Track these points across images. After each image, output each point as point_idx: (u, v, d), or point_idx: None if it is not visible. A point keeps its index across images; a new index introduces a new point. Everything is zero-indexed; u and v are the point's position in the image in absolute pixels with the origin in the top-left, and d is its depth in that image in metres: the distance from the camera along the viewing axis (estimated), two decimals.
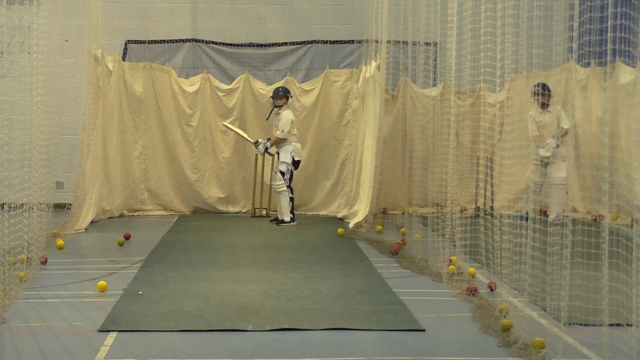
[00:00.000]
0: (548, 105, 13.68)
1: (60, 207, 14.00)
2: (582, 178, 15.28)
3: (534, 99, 13.24)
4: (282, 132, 14.40)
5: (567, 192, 13.49)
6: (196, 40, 16.55)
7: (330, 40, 16.62)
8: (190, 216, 15.85)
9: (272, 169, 15.05)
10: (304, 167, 15.86)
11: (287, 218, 14.35)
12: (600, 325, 6.59)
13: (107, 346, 7.05)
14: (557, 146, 13.54)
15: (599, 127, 7.79)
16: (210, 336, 7.40)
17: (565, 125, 13.46)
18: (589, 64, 14.65)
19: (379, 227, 13.61)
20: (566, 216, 7.18)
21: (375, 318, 8.00)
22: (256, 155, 15.49)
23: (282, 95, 14.64)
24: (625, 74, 13.93)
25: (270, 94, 15.03)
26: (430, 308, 8.59)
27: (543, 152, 13.56)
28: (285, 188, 14.29)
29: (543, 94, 13.30)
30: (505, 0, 9.29)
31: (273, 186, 14.59)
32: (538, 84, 13.04)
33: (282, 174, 14.37)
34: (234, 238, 13.15)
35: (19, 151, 10.85)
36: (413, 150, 14.87)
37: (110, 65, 15.21)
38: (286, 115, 14.50)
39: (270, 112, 14.84)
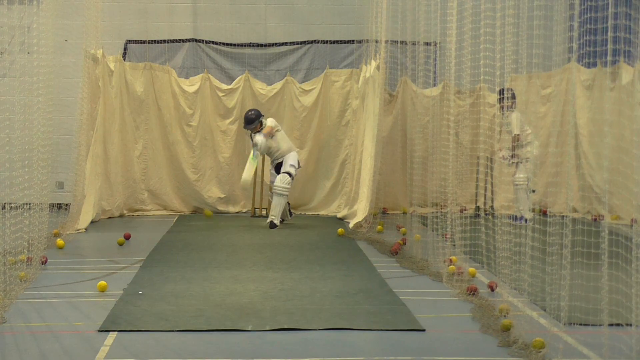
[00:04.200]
0: (511, 110, 13.46)
1: (60, 207, 14.01)
2: (582, 178, 15.29)
3: (500, 104, 12.99)
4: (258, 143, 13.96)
5: (532, 191, 13.57)
6: (196, 40, 16.55)
7: (330, 40, 16.62)
8: (190, 216, 15.85)
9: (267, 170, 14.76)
10: (304, 167, 15.88)
11: (277, 221, 14.18)
12: (600, 325, 6.60)
13: (107, 346, 7.05)
14: (512, 156, 13.56)
15: (609, 128, 7.76)
16: (210, 336, 7.40)
17: (515, 131, 13.45)
18: (590, 64, 14.64)
19: (379, 227, 13.60)
20: (565, 216, 7.18)
21: (375, 318, 8.00)
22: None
23: (255, 122, 14.13)
24: (627, 74, 13.96)
25: (243, 124, 14.44)
26: (430, 308, 8.59)
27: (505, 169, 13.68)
28: (288, 193, 14.12)
29: (510, 98, 13.12)
30: (505, 0, 9.29)
31: (276, 188, 13.94)
32: (509, 89, 12.87)
33: (290, 175, 14.03)
34: (234, 238, 13.15)
35: (19, 151, 10.85)
36: (413, 150, 14.87)
37: (112, 65, 15.22)
38: (259, 141, 14.01)
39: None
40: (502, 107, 12.87)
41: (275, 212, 14.03)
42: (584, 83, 15.40)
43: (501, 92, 12.67)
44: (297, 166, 14.26)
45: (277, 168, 14.28)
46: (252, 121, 14.24)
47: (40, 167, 10.75)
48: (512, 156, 13.61)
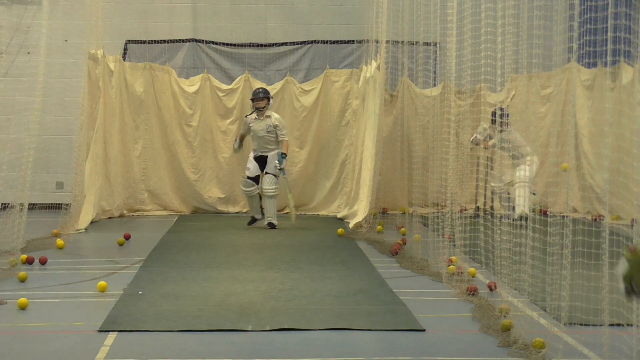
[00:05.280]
0: (508, 130, 13.46)
1: (60, 207, 14.01)
2: (582, 178, 15.29)
3: (493, 125, 13.04)
4: (286, 134, 14.06)
5: (533, 194, 13.63)
6: (196, 40, 16.55)
7: (330, 40, 16.62)
8: (190, 216, 15.84)
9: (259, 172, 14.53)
10: (304, 167, 15.86)
11: (275, 220, 14.10)
12: (601, 325, 6.59)
13: (107, 346, 7.05)
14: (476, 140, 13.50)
15: (609, 128, 7.75)
16: (210, 336, 7.39)
17: (529, 148, 13.53)
18: (590, 64, 14.64)
19: (379, 227, 13.60)
20: (565, 216, 7.18)
21: (375, 318, 7.99)
22: None
23: (262, 97, 13.96)
24: (627, 74, 13.96)
25: (250, 96, 14.35)
26: (430, 308, 8.58)
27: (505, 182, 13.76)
28: (278, 192, 14.10)
29: (504, 117, 13.16)
30: (505, 0, 9.29)
31: (266, 190, 13.86)
32: (501, 108, 12.96)
33: (275, 176, 13.93)
34: (234, 238, 13.14)
35: (18, 151, 10.86)
36: (413, 150, 14.86)
37: (112, 65, 15.22)
38: (280, 118, 14.03)
39: (248, 120, 14.11)
40: (496, 127, 12.98)
41: (271, 213, 14.03)
42: (584, 83, 15.40)
43: (493, 114, 12.75)
44: (279, 167, 14.03)
45: (258, 159, 14.08)
46: (259, 97, 13.98)
47: (39, 167, 10.75)
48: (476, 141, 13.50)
